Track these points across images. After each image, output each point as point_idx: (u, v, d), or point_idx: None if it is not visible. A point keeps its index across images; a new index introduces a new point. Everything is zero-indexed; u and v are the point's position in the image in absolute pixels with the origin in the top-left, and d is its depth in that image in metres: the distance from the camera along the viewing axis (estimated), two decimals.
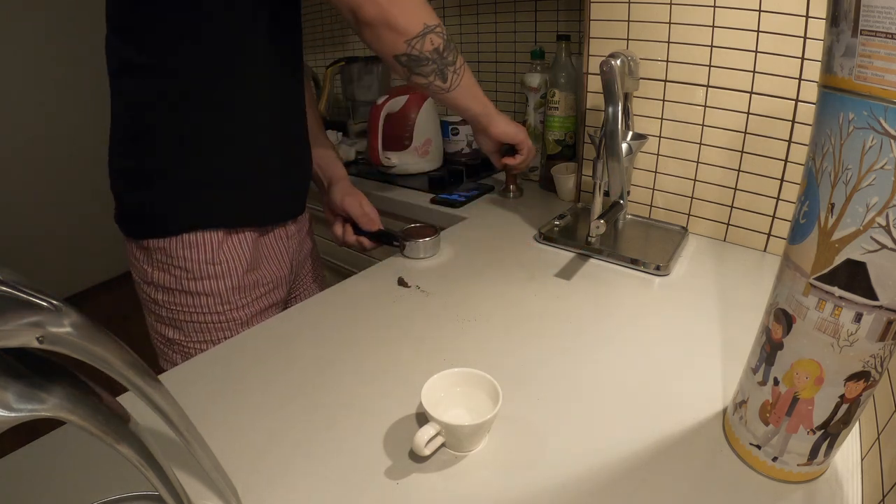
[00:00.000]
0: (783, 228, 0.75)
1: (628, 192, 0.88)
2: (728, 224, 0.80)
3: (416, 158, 1.23)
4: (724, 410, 0.47)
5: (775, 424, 0.39)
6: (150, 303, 0.71)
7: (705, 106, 0.76)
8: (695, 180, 0.81)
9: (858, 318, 0.32)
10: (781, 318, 0.37)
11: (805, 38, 0.65)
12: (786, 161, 0.71)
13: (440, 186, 1.13)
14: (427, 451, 0.41)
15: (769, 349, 0.38)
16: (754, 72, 0.70)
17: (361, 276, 0.75)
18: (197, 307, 0.69)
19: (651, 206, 0.87)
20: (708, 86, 0.75)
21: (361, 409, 0.49)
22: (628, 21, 0.79)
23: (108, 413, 0.25)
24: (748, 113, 0.72)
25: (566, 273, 0.73)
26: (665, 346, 0.57)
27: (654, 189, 0.86)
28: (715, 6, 0.70)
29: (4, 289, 0.20)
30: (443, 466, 0.43)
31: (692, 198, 0.82)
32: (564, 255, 0.79)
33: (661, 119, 0.81)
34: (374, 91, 1.63)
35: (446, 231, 0.90)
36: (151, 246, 0.66)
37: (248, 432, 0.47)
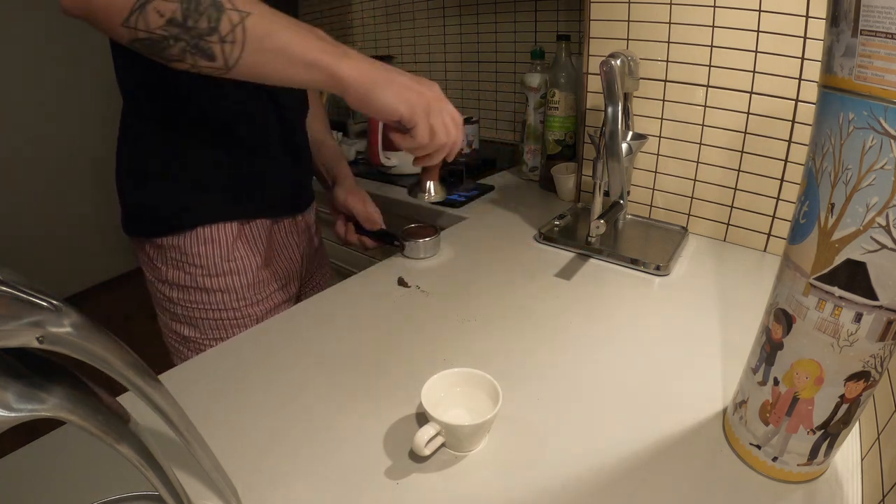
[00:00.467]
0: (783, 228, 0.75)
1: (628, 192, 0.88)
2: (728, 224, 0.80)
3: None
4: (724, 410, 0.47)
5: (775, 424, 0.39)
6: (165, 301, 0.71)
7: (705, 106, 0.76)
8: (695, 180, 0.81)
9: (858, 318, 0.32)
10: (781, 318, 0.37)
11: (805, 38, 0.65)
12: (786, 161, 0.71)
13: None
14: (427, 451, 0.41)
15: (769, 349, 0.38)
16: (754, 72, 0.70)
17: (361, 275, 0.75)
18: (213, 304, 0.69)
19: (651, 206, 0.87)
20: (708, 86, 0.75)
21: (361, 409, 0.49)
22: (628, 21, 0.79)
23: (108, 413, 0.25)
24: (748, 113, 0.72)
25: (566, 273, 0.73)
26: (665, 346, 0.57)
27: (654, 189, 0.86)
28: (715, 6, 0.70)
29: (4, 289, 0.20)
30: (443, 466, 0.43)
31: (692, 198, 0.82)
32: (564, 255, 0.79)
33: (661, 119, 0.81)
34: None
35: (446, 231, 0.90)
36: (165, 244, 0.66)
37: (249, 432, 0.47)
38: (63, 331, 0.22)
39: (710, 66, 0.74)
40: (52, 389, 0.23)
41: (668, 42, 0.76)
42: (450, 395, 0.46)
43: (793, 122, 0.69)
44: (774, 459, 0.40)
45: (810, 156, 0.34)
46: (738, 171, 0.76)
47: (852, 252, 0.31)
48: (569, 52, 1.01)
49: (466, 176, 1.19)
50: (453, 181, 1.15)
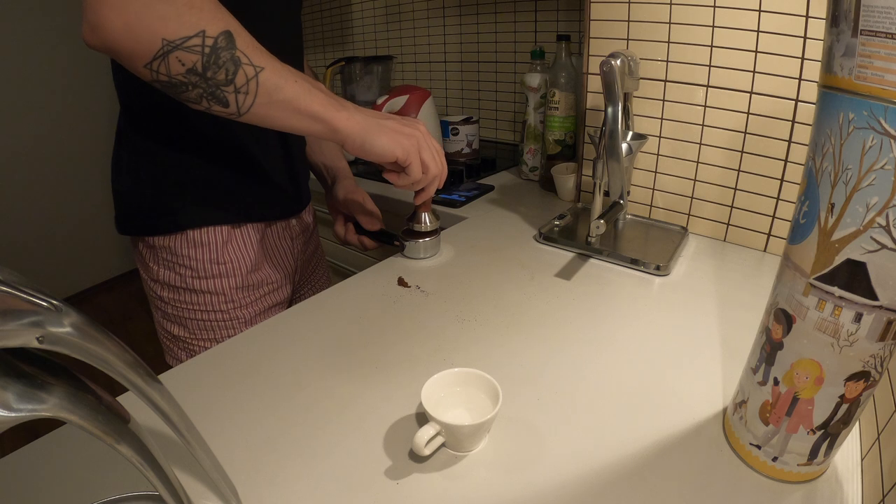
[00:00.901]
0: (783, 228, 0.75)
1: (628, 192, 0.88)
2: (728, 224, 0.80)
3: None
4: (724, 410, 0.47)
5: (775, 424, 0.39)
6: (157, 300, 0.71)
7: (705, 106, 0.76)
8: (695, 180, 0.81)
9: (858, 318, 0.32)
10: (781, 318, 0.37)
11: (805, 38, 0.65)
12: (786, 161, 0.71)
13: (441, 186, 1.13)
14: (427, 451, 0.41)
15: (769, 349, 0.38)
16: (754, 72, 0.70)
17: (361, 275, 0.75)
18: (202, 305, 0.70)
19: (651, 206, 0.87)
20: (708, 86, 0.75)
21: (361, 408, 0.49)
22: (628, 21, 0.79)
23: (108, 413, 0.25)
24: (748, 113, 0.72)
25: (566, 273, 0.73)
26: (665, 346, 0.57)
27: (654, 189, 0.86)
28: (715, 6, 0.70)
29: (4, 289, 0.20)
30: (443, 466, 0.43)
31: (692, 198, 0.82)
32: (564, 255, 0.79)
33: (661, 119, 0.81)
34: (374, 91, 1.64)
35: (446, 231, 0.90)
36: (157, 244, 0.67)
37: (249, 432, 0.47)
38: (63, 331, 0.22)
39: (710, 66, 0.74)
40: (52, 389, 0.23)
41: (668, 42, 0.76)
42: (450, 395, 0.46)
43: (793, 122, 0.69)
44: (774, 459, 0.40)
45: (810, 156, 0.34)
46: (738, 171, 0.76)
47: (852, 252, 0.31)
48: (569, 52, 1.01)
49: (466, 176, 1.20)
50: (453, 181, 1.15)
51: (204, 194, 0.66)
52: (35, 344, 0.21)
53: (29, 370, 0.23)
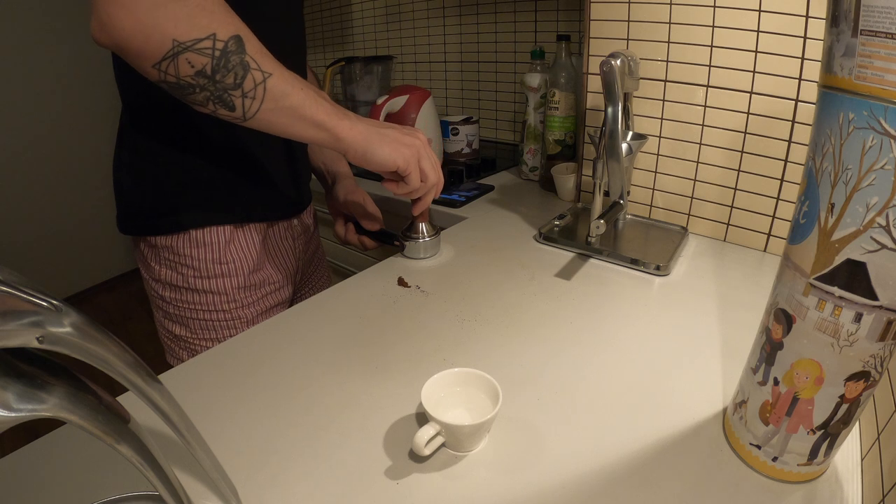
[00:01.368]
0: (783, 228, 0.75)
1: (628, 192, 0.88)
2: (728, 224, 0.80)
3: None
4: (724, 410, 0.47)
5: (775, 424, 0.39)
6: (158, 299, 0.71)
7: (705, 106, 0.76)
8: (695, 180, 0.81)
9: (858, 318, 0.32)
10: (781, 318, 0.37)
11: (805, 38, 0.65)
12: (786, 161, 0.71)
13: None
14: (427, 451, 0.41)
15: (769, 349, 0.38)
16: (754, 72, 0.70)
17: (361, 275, 0.75)
18: (204, 305, 0.70)
19: (651, 206, 0.87)
20: (708, 86, 0.75)
21: (361, 408, 0.49)
22: (628, 21, 0.79)
23: (108, 413, 0.25)
24: (748, 113, 0.72)
25: (566, 273, 0.73)
26: (665, 346, 0.57)
27: (654, 189, 0.86)
28: (715, 6, 0.70)
29: (4, 289, 0.20)
30: (443, 466, 0.43)
31: (692, 198, 0.82)
32: (564, 255, 0.79)
33: (661, 119, 0.81)
34: (374, 91, 1.64)
35: (446, 231, 0.90)
36: (159, 244, 0.67)
37: (249, 432, 0.47)
38: (63, 331, 0.22)
39: (710, 66, 0.74)
40: (52, 389, 0.23)
41: (668, 42, 0.76)
42: (450, 395, 0.46)
43: (793, 122, 0.69)
44: (774, 459, 0.40)
45: (810, 156, 0.34)
46: (738, 171, 0.76)
47: (852, 252, 0.31)
48: (569, 52, 1.01)
49: (466, 176, 1.20)
50: (453, 181, 1.15)
51: (206, 194, 0.66)
52: (35, 344, 0.21)
53: (29, 370, 0.23)
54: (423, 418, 0.47)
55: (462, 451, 0.44)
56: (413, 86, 1.21)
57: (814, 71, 0.66)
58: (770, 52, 0.68)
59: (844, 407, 0.35)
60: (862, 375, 0.34)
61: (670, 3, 0.74)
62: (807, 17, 0.64)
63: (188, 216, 0.66)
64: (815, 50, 0.65)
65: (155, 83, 0.49)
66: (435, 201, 1.03)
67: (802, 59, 0.66)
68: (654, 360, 0.55)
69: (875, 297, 0.31)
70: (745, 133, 0.73)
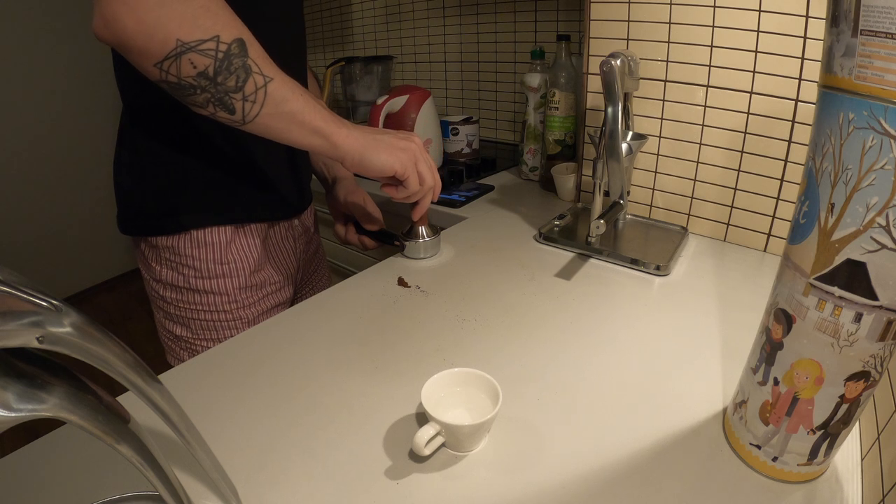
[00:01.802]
0: (783, 228, 0.75)
1: (628, 192, 0.88)
2: (728, 224, 0.80)
3: None
4: (724, 410, 0.47)
5: (775, 424, 0.39)
6: (159, 300, 0.71)
7: (705, 106, 0.76)
8: (695, 180, 0.81)
9: (858, 318, 0.32)
10: (781, 318, 0.37)
11: (805, 38, 0.65)
12: (786, 161, 0.71)
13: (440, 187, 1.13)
14: (427, 451, 0.41)
15: (769, 349, 0.38)
16: (754, 72, 0.70)
17: (361, 275, 0.75)
18: (205, 305, 0.70)
19: (651, 206, 0.87)
20: (708, 86, 0.75)
21: (361, 408, 0.49)
22: (628, 21, 0.79)
23: (108, 413, 0.25)
24: (748, 113, 0.72)
25: (566, 273, 0.73)
26: (665, 346, 0.57)
27: (654, 189, 0.86)
28: (715, 6, 0.70)
29: (4, 289, 0.20)
30: (443, 466, 0.43)
31: (692, 198, 0.82)
32: (564, 255, 0.79)
33: (661, 119, 0.81)
34: (374, 91, 1.64)
35: (446, 231, 0.90)
36: (160, 244, 0.67)
37: (249, 432, 0.47)
38: (63, 331, 0.22)
39: (710, 66, 0.74)
40: (52, 389, 0.23)
41: (668, 42, 0.76)
42: (450, 395, 0.46)
43: (793, 122, 0.69)
44: (774, 459, 0.40)
45: (810, 156, 0.34)
46: (738, 171, 0.76)
47: (852, 252, 0.31)
48: (569, 52, 1.01)
49: (466, 176, 1.20)
50: (453, 181, 1.15)
51: (207, 194, 0.66)
52: (35, 344, 0.21)
53: (29, 370, 0.23)
54: (423, 418, 0.47)
55: (462, 451, 0.44)
56: (413, 86, 1.21)
57: (814, 71, 0.66)
58: (770, 52, 0.68)
59: (844, 407, 0.35)
60: (862, 375, 0.34)
61: (670, 3, 0.74)
62: (807, 17, 0.64)
63: (189, 216, 0.66)
64: (815, 50, 0.65)
65: (155, 83, 0.49)
66: (435, 201, 1.03)
67: (802, 59, 0.66)
68: (654, 360, 0.55)
69: (875, 297, 0.31)
70: (745, 133, 0.73)
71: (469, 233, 0.89)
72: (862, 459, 0.42)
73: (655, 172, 0.85)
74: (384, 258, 0.81)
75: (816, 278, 0.33)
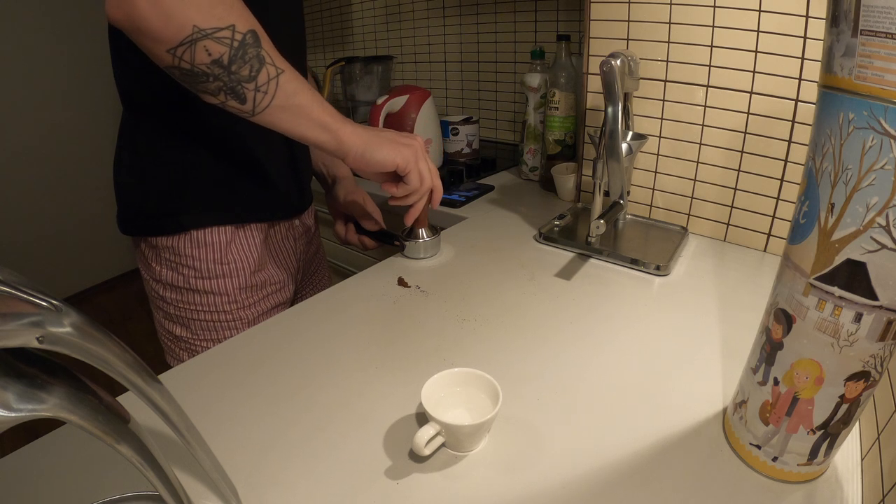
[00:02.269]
0: (783, 228, 0.75)
1: (628, 192, 0.88)
2: (728, 224, 0.80)
3: None
4: (724, 410, 0.47)
5: (775, 424, 0.39)
6: (158, 300, 0.71)
7: (705, 106, 0.76)
8: (695, 180, 0.81)
9: (858, 318, 0.32)
10: (781, 318, 0.37)
11: (805, 38, 0.65)
12: (786, 161, 0.71)
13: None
14: (427, 451, 0.41)
15: (769, 349, 0.38)
16: (754, 72, 0.70)
17: (361, 275, 0.75)
18: (205, 306, 0.69)
19: (651, 206, 0.87)
20: (708, 86, 0.75)
21: (361, 408, 0.49)
22: (628, 21, 0.79)
23: (108, 413, 0.25)
24: (748, 113, 0.72)
25: (566, 273, 0.73)
26: (665, 346, 0.57)
27: (654, 189, 0.86)
28: (715, 6, 0.70)
29: (4, 289, 0.20)
30: (443, 466, 0.43)
31: (692, 198, 0.82)
32: (564, 255, 0.79)
33: (661, 119, 0.81)
34: (374, 91, 1.64)
35: (446, 231, 0.90)
36: (160, 244, 0.67)
37: (249, 432, 0.47)
38: (63, 331, 0.22)
39: (710, 66, 0.74)
40: (52, 389, 0.23)
41: (668, 42, 0.76)
42: (450, 395, 0.46)
43: (793, 122, 0.69)
44: (774, 459, 0.40)
45: (810, 156, 0.34)
46: (738, 171, 0.76)
47: (852, 252, 0.31)
48: (569, 52, 1.01)
49: (466, 176, 1.20)
50: (453, 181, 1.15)
51: (208, 194, 0.66)
52: (35, 344, 0.21)
53: (29, 370, 0.23)
54: (423, 418, 0.47)
55: (462, 451, 0.44)
56: (413, 86, 1.21)
57: (814, 71, 0.66)
58: (770, 52, 0.68)
59: (844, 407, 0.35)
60: (862, 375, 0.34)
61: (670, 3, 0.74)
62: (807, 17, 0.64)
63: (189, 216, 0.66)
64: (815, 50, 0.65)
65: (164, 69, 0.49)
66: (435, 209, 1.03)
67: (802, 59, 0.66)
68: (654, 360, 0.55)
69: (875, 297, 0.31)
70: (745, 133, 0.73)
71: (469, 233, 0.89)
72: (862, 459, 0.42)
73: (655, 172, 0.85)
74: (384, 258, 0.81)
75: (816, 278, 0.33)
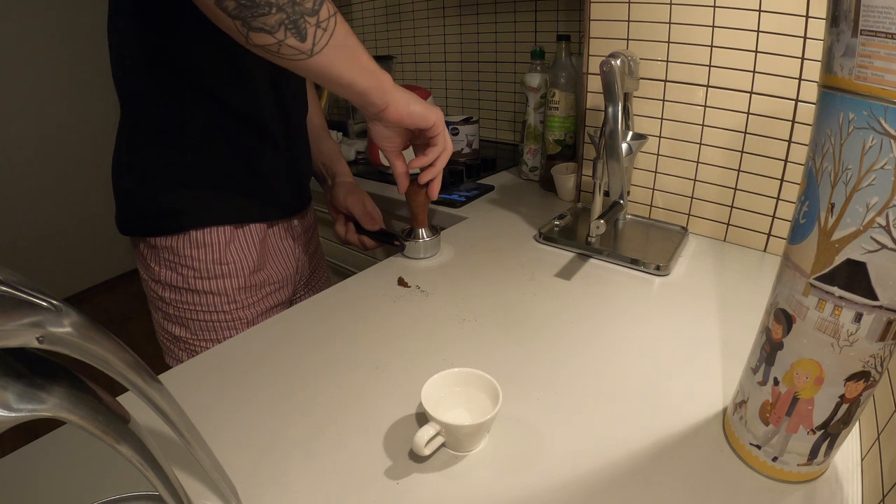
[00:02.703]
0: (783, 228, 0.75)
1: (628, 192, 0.88)
2: (728, 224, 0.80)
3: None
4: (724, 410, 0.47)
5: (775, 424, 0.39)
6: (157, 300, 0.71)
7: (705, 106, 0.76)
8: (695, 180, 0.81)
9: (858, 318, 0.32)
10: (781, 318, 0.37)
11: (805, 38, 0.65)
12: (786, 161, 0.71)
13: (440, 187, 1.13)
14: (427, 451, 0.41)
15: (769, 349, 0.38)
16: (754, 72, 0.70)
17: (361, 275, 0.75)
18: (204, 306, 0.69)
19: (651, 206, 0.87)
20: (708, 86, 0.75)
21: (361, 408, 0.49)
22: (628, 21, 0.79)
23: (108, 413, 0.25)
24: (748, 113, 0.72)
25: (566, 273, 0.73)
26: (665, 346, 0.57)
27: (654, 189, 0.86)
28: (715, 6, 0.70)
29: (4, 289, 0.20)
30: (443, 466, 0.43)
31: (692, 198, 0.82)
32: (564, 255, 0.79)
33: (661, 119, 0.81)
34: None
35: (446, 231, 0.90)
36: (159, 244, 0.67)
37: (249, 432, 0.47)
38: (63, 331, 0.22)
39: (710, 66, 0.74)
40: (52, 389, 0.23)
41: (668, 42, 0.76)
42: (450, 395, 0.46)
43: (793, 122, 0.69)
44: (774, 459, 0.40)
45: (810, 156, 0.34)
46: (738, 171, 0.76)
47: (852, 252, 0.31)
48: (569, 52, 1.01)
49: (466, 176, 1.20)
50: (453, 181, 1.15)
51: (206, 195, 0.66)
52: (35, 344, 0.21)
53: (29, 370, 0.23)
54: (423, 418, 0.47)
55: (462, 451, 0.44)
56: (413, 86, 1.21)
57: (814, 71, 0.66)
58: (770, 52, 0.68)
59: (844, 407, 0.35)
60: (862, 375, 0.34)
61: (670, 3, 0.74)
62: (807, 17, 0.64)
63: (188, 217, 0.66)
64: (815, 50, 0.65)
65: (218, 3, 0.44)
66: (435, 201, 1.03)
67: (802, 59, 0.66)
68: (654, 360, 0.55)
69: (875, 297, 0.31)
70: (745, 133, 0.73)
71: (469, 233, 0.89)
72: (862, 459, 0.42)
73: (655, 172, 0.85)
74: (384, 258, 0.81)
75: (816, 278, 0.33)
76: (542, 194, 1.08)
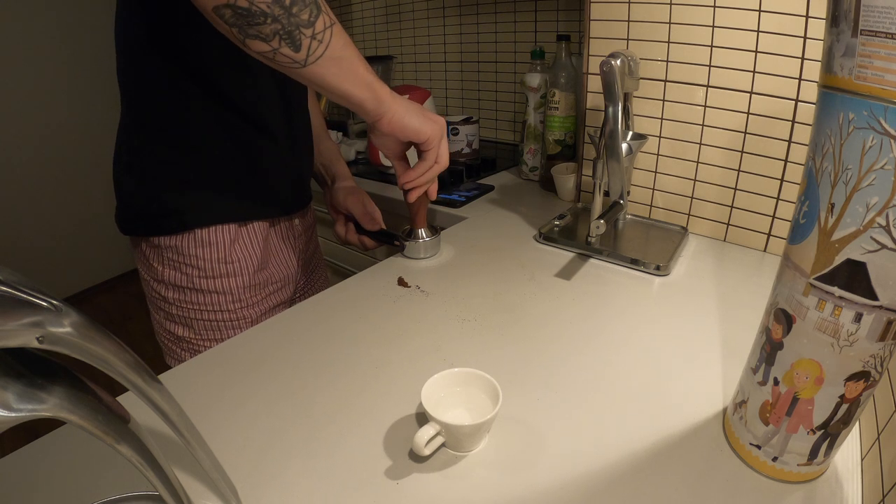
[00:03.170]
0: (783, 228, 0.75)
1: (628, 192, 0.88)
2: (728, 224, 0.80)
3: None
4: (724, 410, 0.47)
5: (775, 424, 0.39)
6: (160, 300, 0.71)
7: (705, 106, 0.76)
8: (695, 180, 0.81)
9: (858, 318, 0.32)
10: (781, 318, 0.37)
11: (805, 38, 0.65)
12: (786, 161, 0.71)
13: (440, 186, 1.13)
14: (427, 451, 0.41)
15: (769, 349, 0.38)
16: (754, 72, 0.70)
17: (361, 275, 0.75)
18: (209, 305, 0.69)
19: (651, 206, 0.87)
20: (708, 86, 0.75)
21: (361, 408, 0.49)
22: (628, 21, 0.79)
23: (108, 413, 0.25)
24: (748, 113, 0.72)
25: (566, 273, 0.73)
26: (665, 346, 0.57)
27: (654, 189, 0.86)
28: (715, 6, 0.70)
29: (4, 289, 0.20)
30: (443, 466, 0.43)
31: (692, 198, 0.82)
32: (564, 255, 0.79)
33: (661, 119, 0.81)
34: None
35: (446, 231, 0.90)
36: (162, 244, 0.66)
37: (249, 432, 0.47)
38: (63, 331, 0.22)
39: (710, 66, 0.74)
40: (52, 389, 0.23)
41: (668, 42, 0.76)
42: (450, 395, 0.46)
43: (793, 122, 0.69)
44: (774, 459, 0.40)
45: (810, 156, 0.34)
46: (738, 171, 0.76)
47: (852, 252, 0.31)
48: (569, 52, 1.01)
49: (466, 176, 1.20)
50: (453, 181, 1.15)
51: (210, 193, 0.66)
52: (35, 344, 0.21)
53: (29, 370, 0.23)
54: (423, 418, 0.47)
55: (462, 451, 0.44)
56: (413, 86, 1.21)
57: (814, 71, 0.66)
58: (770, 52, 0.68)
59: (844, 407, 0.35)
60: (862, 375, 0.34)
61: (670, 3, 0.74)
62: (807, 17, 0.64)
63: (192, 215, 0.66)
64: (815, 50, 0.65)
65: (214, 10, 0.46)
66: (435, 201, 1.03)
67: (802, 59, 0.66)
68: (654, 360, 0.55)
69: (875, 297, 0.31)
70: (745, 133, 0.73)
71: (469, 233, 0.89)
72: (862, 459, 0.42)
73: (655, 172, 0.85)
74: (384, 258, 0.81)
75: (816, 278, 0.33)
76: (542, 194, 1.08)
